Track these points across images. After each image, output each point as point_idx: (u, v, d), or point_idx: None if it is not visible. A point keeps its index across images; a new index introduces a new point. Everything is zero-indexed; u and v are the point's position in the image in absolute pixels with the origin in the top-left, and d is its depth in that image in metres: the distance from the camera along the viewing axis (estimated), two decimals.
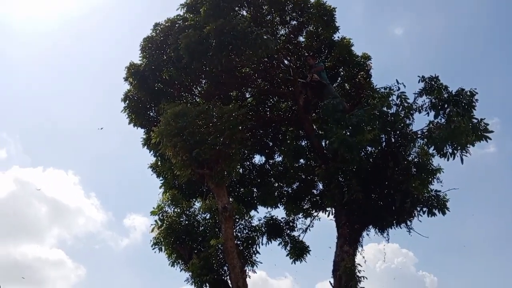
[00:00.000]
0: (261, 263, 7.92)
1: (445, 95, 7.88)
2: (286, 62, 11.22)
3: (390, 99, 8.44)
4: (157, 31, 9.52)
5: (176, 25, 9.42)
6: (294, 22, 11.29)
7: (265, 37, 8.62)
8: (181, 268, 8.22)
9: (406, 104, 8.26)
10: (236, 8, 10.54)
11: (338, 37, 11.31)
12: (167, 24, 9.49)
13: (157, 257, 8.59)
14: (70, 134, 36.07)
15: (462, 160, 7.42)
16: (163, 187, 9.23)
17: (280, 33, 11.45)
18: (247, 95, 11.65)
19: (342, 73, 11.72)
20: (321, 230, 10.52)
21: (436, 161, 8.30)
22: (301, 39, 11.61)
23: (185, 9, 9.72)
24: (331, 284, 7.84)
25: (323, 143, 9.47)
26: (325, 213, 9.88)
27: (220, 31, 8.30)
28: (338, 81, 11.76)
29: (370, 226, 8.34)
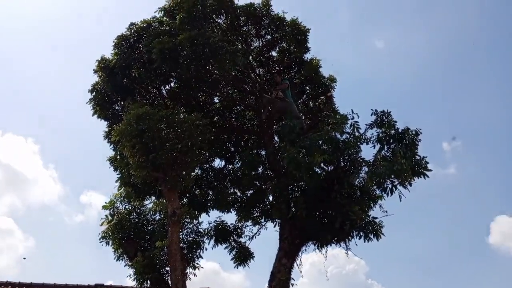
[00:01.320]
0: (202, 267, 8.32)
1: (393, 131, 8.52)
2: (256, 74, 11.67)
3: (344, 127, 9.04)
4: (132, 31, 9.73)
5: (151, 27, 9.65)
6: (268, 37, 11.74)
7: (237, 53, 9.03)
8: (126, 263, 8.52)
9: (357, 134, 8.86)
10: (214, 16, 10.89)
11: (308, 57, 11.86)
12: (142, 25, 9.71)
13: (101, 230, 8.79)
14: (34, 100, 35.01)
15: (400, 197, 8.09)
16: (118, 181, 9.45)
17: (254, 45, 11.88)
18: (215, 100, 11.99)
19: (308, 91, 12.26)
20: (266, 239, 11.02)
21: None
22: (274, 53, 12.07)
23: (162, 12, 9.96)
24: None
25: (278, 159, 9.95)
26: (272, 223, 10.43)
27: (193, 41, 8.62)
28: (303, 98, 12.29)
29: (310, 243, 8.91)
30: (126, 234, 8.48)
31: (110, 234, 8.47)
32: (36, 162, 36.41)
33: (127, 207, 8.95)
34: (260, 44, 11.83)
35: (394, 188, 8.16)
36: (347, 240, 8.95)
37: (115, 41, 9.73)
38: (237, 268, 10.17)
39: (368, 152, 9.08)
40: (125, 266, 8.55)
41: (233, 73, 10.64)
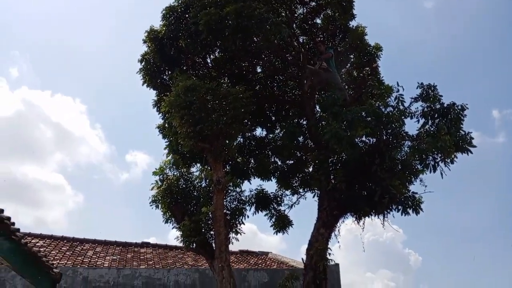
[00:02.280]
0: (244, 233, 8.79)
1: (438, 106, 8.36)
2: (299, 42, 11.58)
3: (388, 99, 8.96)
4: (180, 1, 9.88)
5: None
6: (313, 3, 11.54)
7: (282, 25, 9.01)
8: (173, 226, 9.17)
9: (401, 107, 8.76)
10: None
11: (353, 25, 11.58)
12: None
13: (151, 194, 9.44)
14: (82, 62, 36.34)
15: (442, 175, 8.03)
16: (167, 149, 9.98)
17: (298, 12, 11.74)
18: (258, 69, 12.09)
19: (352, 60, 12.06)
20: (305, 208, 11.38)
21: None
22: (318, 21, 11.87)
23: None
24: (303, 260, 8.80)
25: (320, 130, 10.06)
26: (311, 193, 10.72)
27: (239, 14, 8.67)
28: (347, 67, 12.13)
29: (348, 214, 9.15)
30: (174, 199, 9.05)
31: (160, 198, 9.07)
32: (83, 122, 38.35)
33: (175, 173, 9.49)
34: (304, 11, 11.67)
35: (436, 164, 8.11)
36: (385, 212, 9.10)
37: (163, 12, 9.95)
38: (276, 234, 10.65)
39: (411, 126, 9.01)
40: (172, 228, 9.21)
41: (277, 43, 10.64)
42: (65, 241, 13.37)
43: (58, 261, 11.18)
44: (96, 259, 12.17)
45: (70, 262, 11.45)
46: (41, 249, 10.77)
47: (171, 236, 35.38)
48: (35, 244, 11.77)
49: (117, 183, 37.39)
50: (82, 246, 13.24)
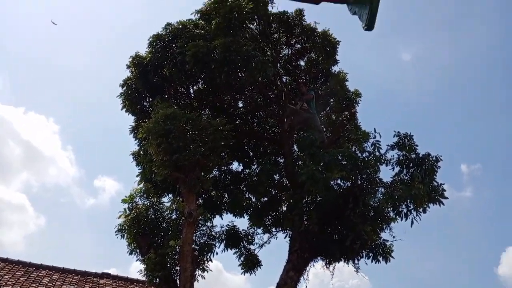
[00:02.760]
0: (211, 271, 8.46)
1: (413, 155, 8.52)
2: (282, 82, 11.78)
3: (365, 145, 9.08)
4: (167, 31, 9.95)
5: (187, 28, 9.85)
6: (298, 46, 11.86)
7: (268, 64, 9.18)
8: (137, 258, 8.76)
9: (377, 153, 8.89)
10: (247, 22, 11.04)
11: (335, 70, 11.92)
12: (178, 26, 9.93)
13: (117, 222, 9.07)
14: (61, 81, 35.74)
15: (412, 223, 8.09)
16: (139, 177, 9.70)
17: (283, 52, 12.01)
18: (240, 104, 12.15)
19: (332, 104, 12.30)
20: (275, 248, 11.14)
21: None
22: (302, 63, 12.16)
23: (198, 15, 10.16)
24: None
25: (296, 170, 10.04)
26: (283, 233, 10.53)
27: (227, 48, 8.79)
28: (326, 110, 12.34)
29: (318, 258, 8.99)
30: (141, 230, 8.68)
31: (126, 228, 8.70)
32: (55, 142, 37.27)
33: (145, 202, 9.18)
34: (289, 52, 11.95)
35: (409, 212, 8.17)
36: (356, 258, 9.00)
37: (150, 39, 9.99)
38: (244, 274, 10.32)
39: (386, 173, 9.12)
40: (136, 260, 8.79)
41: (260, 80, 10.79)
42: (20, 265, 12.55)
43: (10, 287, 10.43)
44: (52, 287, 11.42)
45: None
46: None
47: (133, 268, 33.94)
48: None
49: (82, 208, 36.00)
50: (38, 272, 12.44)
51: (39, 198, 35.51)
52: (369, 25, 1.98)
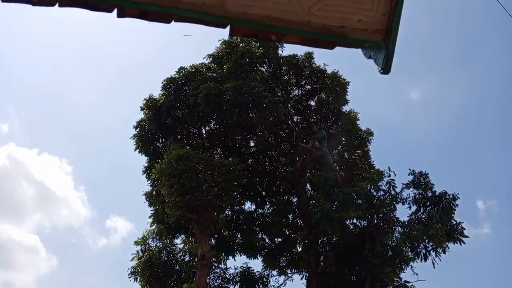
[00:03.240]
0: None
1: (429, 194, 8.39)
2: (293, 121, 11.91)
3: (380, 183, 8.99)
4: (181, 74, 10.25)
5: (199, 72, 10.15)
6: (308, 87, 12.05)
7: (278, 104, 9.35)
8: None
9: (393, 192, 8.78)
10: (257, 64, 11.35)
11: (346, 109, 12.02)
12: (191, 70, 10.24)
13: (129, 265, 8.94)
14: (74, 122, 36.45)
15: (433, 264, 7.85)
16: (152, 217, 9.67)
17: (294, 93, 12.21)
18: (251, 144, 12.23)
19: (344, 143, 12.31)
20: None
21: None
22: (312, 103, 12.31)
23: (210, 59, 10.50)
24: None
25: (310, 209, 9.92)
26: (299, 275, 10.25)
27: (238, 91, 9.00)
28: (338, 148, 12.34)
29: None
30: (154, 272, 8.56)
31: (140, 270, 8.58)
32: (67, 183, 37.60)
33: (158, 244, 9.09)
34: (300, 93, 12.15)
35: (427, 253, 7.93)
36: None
37: (163, 82, 10.27)
38: None
39: (402, 212, 8.95)
40: None
41: (271, 120, 10.92)
42: None
43: None
44: None
45: None
46: None
47: None
48: None
49: (94, 248, 35.71)
50: None
51: (51, 239, 35.37)
52: (386, 69, 2.01)
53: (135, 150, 10.60)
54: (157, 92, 10.59)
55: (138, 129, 10.60)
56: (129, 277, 8.61)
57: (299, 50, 12.00)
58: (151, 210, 9.89)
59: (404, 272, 8.80)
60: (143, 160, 10.77)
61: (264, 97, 9.06)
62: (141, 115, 10.67)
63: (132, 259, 8.80)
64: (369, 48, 2.04)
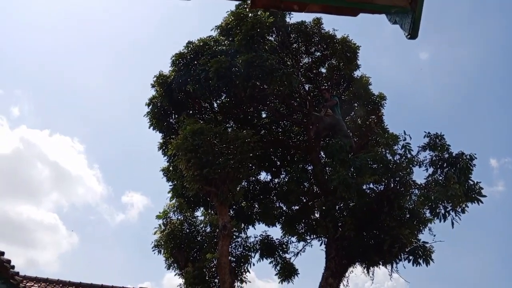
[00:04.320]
0: (249, 282, 8.49)
1: (446, 155, 8.37)
2: (304, 90, 11.81)
3: (395, 147, 8.98)
4: (189, 49, 10.16)
5: (207, 46, 10.04)
6: (318, 54, 11.87)
7: (292, 75, 9.25)
8: (176, 272, 8.88)
9: (409, 155, 8.77)
10: (266, 35, 11.17)
11: (357, 74, 11.86)
12: (199, 44, 10.12)
13: (148, 238, 9.25)
14: (83, 101, 36.70)
15: (452, 224, 7.90)
16: (171, 192, 9.86)
17: (304, 61, 12.05)
18: (263, 115, 12.22)
19: (356, 108, 12.22)
20: (311, 256, 11.05)
21: None
22: (323, 70, 12.15)
23: (218, 31, 10.35)
24: None
25: (326, 176, 10.00)
26: (318, 241, 10.45)
27: (250, 64, 8.92)
28: (351, 115, 12.27)
29: (357, 263, 8.88)
30: (177, 244, 8.82)
31: (163, 243, 8.84)
32: (81, 162, 38.27)
33: (179, 217, 9.32)
34: (310, 60, 11.98)
35: (447, 213, 7.99)
36: (394, 262, 8.85)
37: (172, 58, 10.21)
38: (281, 283, 10.27)
39: (419, 174, 8.98)
40: (175, 275, 8.91)
41: (283, 90, 10.84)
42: (60, 284, 12.86)
43: None
44: None
45: None
46: None
47: (166, 281, 34.22)
48: None
49: (112, 224, 36.72)
50: None
51: (70, 217, 36.40)
52: (413, 34, 1.98)
53: (149, 128, 10.68)
54: (166, 68, 10.58)
55: (150, 106, 10.64)
56: (153, 250, 8.91)
57: (307, 16, 11.77)
58: (170, 185, 10.08)
59: (422, 233, 8.91)
60: (152, 133, 10.84)
61: (277, 69, 8.96)
62: (152, 92, 10.70)
63: (154, 233, 9.07)
64: (395, 14, 2.01)
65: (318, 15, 11.52)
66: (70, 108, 36.38)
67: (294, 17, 11.40)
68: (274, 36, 11.40)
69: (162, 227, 9.12)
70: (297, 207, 11.38)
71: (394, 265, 8.88)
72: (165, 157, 10.51)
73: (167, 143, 9.80)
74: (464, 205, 7.98)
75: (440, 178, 8.39)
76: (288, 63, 11.59)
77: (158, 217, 9.30)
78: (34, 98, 36.57)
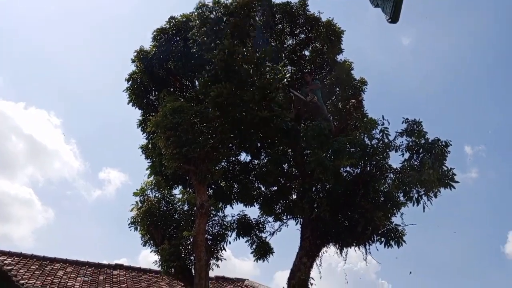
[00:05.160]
0: (225, 259, 8.60)
1: (422, 141, 8.54)
2: (288, 72, 11.76)
3: (373, 132, 9.10)
4: (171, 24, 9.94)
5: (190, 22, 9.83)
6: (302, 36, 11.81)
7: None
8: (152, 249, 8.90)
9: (386, 140, 8.91)
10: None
11: (341, 59, 11.87)
12: (182, 19, 9.91)
13: (125, 215, 9.24)
14: (61, 75, 35.73)
15: (424, 208, 8.13)
16: (149, 170, 9.79)
17: (288, 42, 11.97)
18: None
19: (338, 93, 12.28)
20: (287, 235, 11.26)
21: None
22: (306, 52, 12.11)
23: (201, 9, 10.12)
24: None
25: (305, 158, 10.09)
26: (294, 221, 10.62)
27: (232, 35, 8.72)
28: (333, 99, 12.33)
29: (331, 244, 9.08)
30: (154, 222, 8.82)
31: (139, 220, 8.82)
32: (58, 136, 37.44)
33: (157, 195, 9.29)
34: (294, 42, 11.91)
35: (420, 197, 8.21)
36: (367, 244, 9.09)
37: (154, 33, 9.99)
38: (256, 261, 10.44)
39: (395, 159, 9.15)
40: (151, 251, 8.93)
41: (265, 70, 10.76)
42: (34, 259, 12.75)
43: (26, 280, 10.61)
44: (67, 280, 11.62)
45: (39, 282, 10.87)
46: (9, 267, 10.22)
47: (142, 257, 34.40)
48: (3, 262, 11.17)
49: (89, 200, 36.35)
50: (52, 266, 12.64)
51: (46, 192, 35.86)
52: (394, 17, 1.98)
53: (128, 103, 10.50)
54: (147, 44, 10.34)
55: (130, 82, 10.43)
56: (129, 227, 8.89)
57: None
58: (148, 163, 9.99)
59: (396, 216, 9.13)
60: (130, 110, 10.67)
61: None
62: (132, 68, 10.47)
63: (131, 210, 9.03)
64: None
65: None
66: (47, 81, 35.39)
67: None
68: (259, 15, 11.26)
69: (139, 204, 9.09)
70: (275, 188, 11.48)
71: (367, 246, 9.14)
72: (144, 134, 10.38)
73: (147, 120, 9.67)
74: (437, 190, 8.21)
75: (416, 163, 8.58)
76: (272, 43, 11.50)
77: (135, 194, 9.25)
78: (8, 69, 35.33)
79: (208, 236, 8.68)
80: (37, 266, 12.20)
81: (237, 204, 11.18)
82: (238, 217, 10.59)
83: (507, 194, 34.21)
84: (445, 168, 8.51)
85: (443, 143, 8.49)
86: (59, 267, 12.69)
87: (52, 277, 11.63)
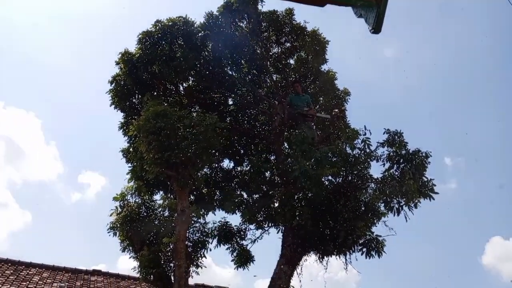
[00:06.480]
0: (205, 267, 8.50)
1: (403, 152, 8.67)
2: (272, 80, 11.85)
3: (355, 142, 9.19)
4: (157, 27, 9.90)
5: (176, 26, 9.82)
6: (288, 44, 11.93)
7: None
8: (131, 255, 8.74)
9: (368, 150, 9.01)
10: (236, 20, 11.09)
11: (325, 68, 12.03)
12: (168, 23, 9.88)
13: (105, 220, 9.08)
14: (42, 75, 34.90)
15: (406, 218, 8.24)
16: (129, 174, 9.64)
17: (273, 50, 12.06)
18: (230, 101, 12.16)
19: (321, 102, 12.42)
20: (268, 243, 11.20)
21: None
22: (291, 61, 12.23)
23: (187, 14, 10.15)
24: None
25: (288, 167, 10.10)
26: (276, 229, 10.59)
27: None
28: (316, 108, 12.44)
29: (311, 252, 9.09)
30: (133, 227, 8.67)
31: (118, 225, 8.66)
32: (38, 138, 36.55)
33: (137, 200, 9.15)
34: (279, 50, 12.01)
35: (400, 208, 8.31)
36: (348, 253, 9.13)
37: (139, 36, 9.92)
38: (237, 269, 10.35)
39: (377, 169, 9.26)
40: (130, 257, 8.77)
41: (254, 73, 10.84)
42: (9, 264, 12.38)
43: (0, 285, 10.28)
44: (43, 286, 11.29)
45: (13, 287, 10.56)
46: None
47: (121, 264, 33.75)
48: None
49: (68, 203, 35.50)
50: (28, 271, 12.27)
51: (23, 195, 34.88)
52: (376, 28, 2.02)
53: (110, 106, 10.38)
54: (133, 47, 10.26)
55: (113, 84, 10.32)
56: (108, 232, 8.72)
57: (279, 6, 11.77)
58: (129, 167, 9.83)
59: (376, 226, 9.20)
60: (113, 113, 10.52)
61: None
62: (116, 70, 10.37)
63: (111, 215, 8.87)
64: (360, 7, 2.03)
65: (291, 5, 11.57)
66: (27, 80, 34.58)
67: (267, 5, 11.39)
68: (245, 23, 11.34)
69: (119, 209, 8.93)
70: (258, 196, 11.46)
71: (348, 255, 9.18)
72: (126, 138, 10.25)
73: (129, 123, 9.56)
74: (417, 201, 8.32)
75: (396, 173, 8.68)
76: (258, 50, 11.57)
77: (115, 198, 9.09)
78: None
79: (189, 243, 8.57)
80: (12, 271, 11.84)
81: (219, 211, 11.10)
82: (219, 224, 10.50)
83: (485, 206, 35.03)
84: (425, 179, 8.66)
85: (424, 154, 8.64)
86: (35, 272, 12.34)
87: (27, 282, 11.29)
